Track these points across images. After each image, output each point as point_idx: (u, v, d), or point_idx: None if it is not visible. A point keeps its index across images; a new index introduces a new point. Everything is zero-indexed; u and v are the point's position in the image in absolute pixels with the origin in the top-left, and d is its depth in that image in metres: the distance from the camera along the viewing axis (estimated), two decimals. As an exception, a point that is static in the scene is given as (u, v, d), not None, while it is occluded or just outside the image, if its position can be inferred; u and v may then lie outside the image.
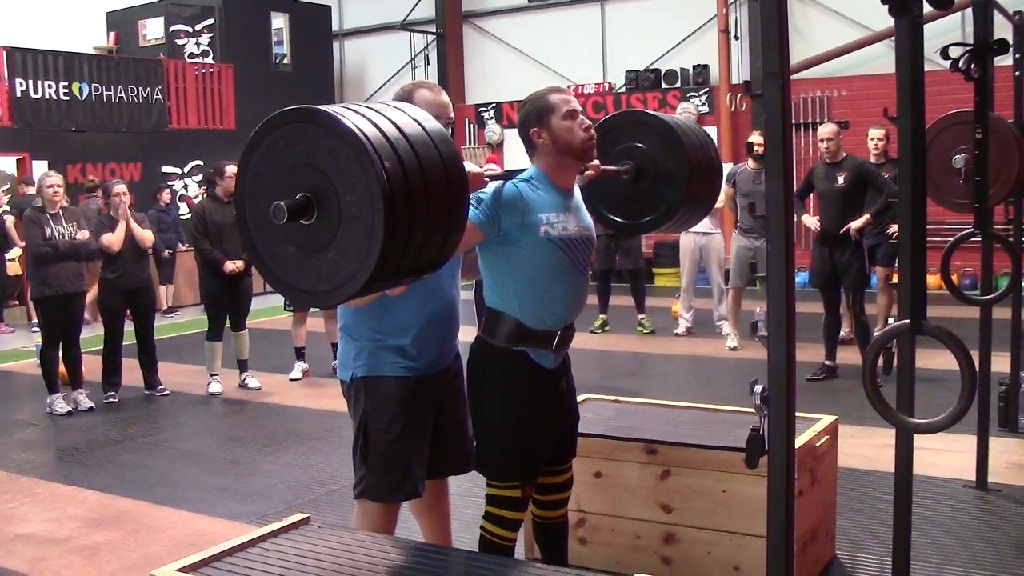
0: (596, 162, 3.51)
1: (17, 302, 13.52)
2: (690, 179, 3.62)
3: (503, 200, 3.22)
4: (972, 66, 4.30)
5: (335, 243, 2.25)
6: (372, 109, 2.33)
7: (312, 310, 8.76)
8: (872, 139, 8.56)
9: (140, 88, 15.40)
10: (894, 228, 8.00)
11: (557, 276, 3.31)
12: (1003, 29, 4.99)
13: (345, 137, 2.20)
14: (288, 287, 2.39)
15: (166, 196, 14.09)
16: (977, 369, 2.95)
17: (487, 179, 3.19)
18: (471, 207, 2.97)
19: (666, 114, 4.00)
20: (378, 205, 2.15)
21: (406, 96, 3.41)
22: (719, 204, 9.71)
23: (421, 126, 2.35)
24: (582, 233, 3.38)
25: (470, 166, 2.99)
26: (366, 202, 2.17)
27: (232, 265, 8.18)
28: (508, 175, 3.32)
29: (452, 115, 3.50)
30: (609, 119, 3.86)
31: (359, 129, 2.20)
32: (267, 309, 12.01)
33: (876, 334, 3.48)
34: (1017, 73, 5.54)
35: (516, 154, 16.81)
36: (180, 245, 13.77)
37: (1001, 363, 5.77)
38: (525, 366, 3.32)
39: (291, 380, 8.72)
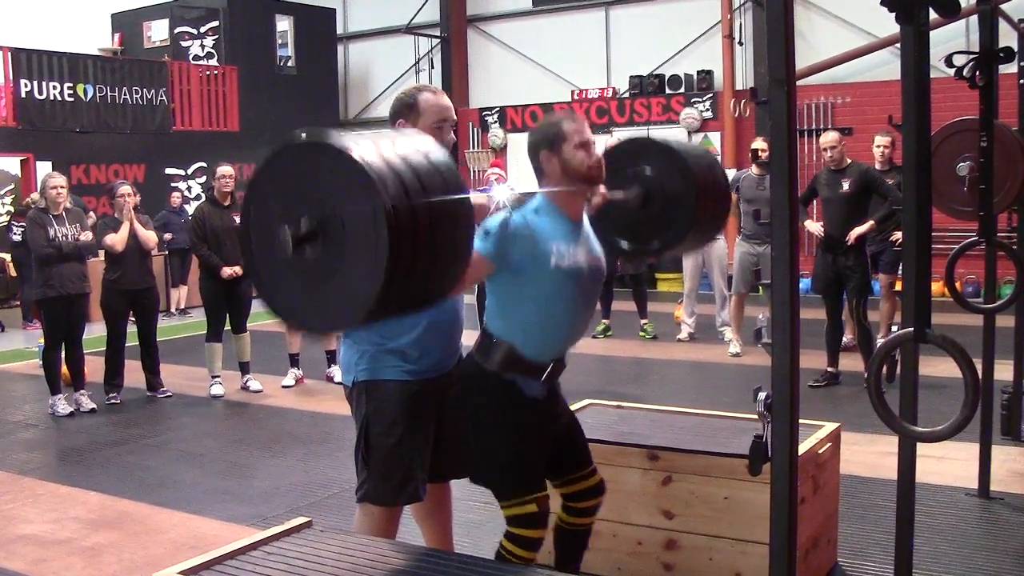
0: (602, 189, 3.50)
1: (19, 303, 13.54)
2: (698, 203, 3.62)
3: (511, 231, 3.20)
4: (977, 74, 4.30)
5: (340, 273, 2.24)
6: (378, 138, 2.33)
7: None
8: (878, 146, 8.56)
9: (144, 89, 15.44)
10: (898, 235, 7.99)
11: (566, 307, 3.32)
12: (1008, 37, 4.98)
13: (351, 167, 2.20)
14: (293, 316, 2.40)
15: (176, 198, 14.12)
16: (980, 377, 2.94)
17: (495, 208, 3.17)
18: (479, 239, 2.97)
19: (672, 138, 4.01)
20: (382, 235, 2.14)
21: (410, 99, 3.41)
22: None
23: (427, 156, 2.34)
24: (592, 263, 3.38)
25: (477, 197, 2.98)
26: (371, 232, 2.17)
27: (230, 271, 8.18)
28: (516, 206, 3.31)
29: (455, 117, 3.51)
30: (615, 146, 3.86)
31: (364, 159, 2.20)
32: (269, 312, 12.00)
33: (880, 343, 3.48)
34: (1022, 81, 5.54)
35: (520, 157, 16.81)
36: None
37: (1004, 371, 5.76)
38: (514, 396, 3.32)
39: (283, 387, 8.66)
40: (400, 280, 2.21)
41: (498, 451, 3.32)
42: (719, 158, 14.54)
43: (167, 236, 13.11)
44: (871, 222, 7.63)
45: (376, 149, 2.25)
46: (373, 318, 2.30)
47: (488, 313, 3.37)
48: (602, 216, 3.56)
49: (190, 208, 14.55)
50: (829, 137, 7.82)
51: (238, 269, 8.22)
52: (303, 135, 2.35)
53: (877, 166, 8.39)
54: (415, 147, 2.35)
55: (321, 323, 2.38)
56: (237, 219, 8.31)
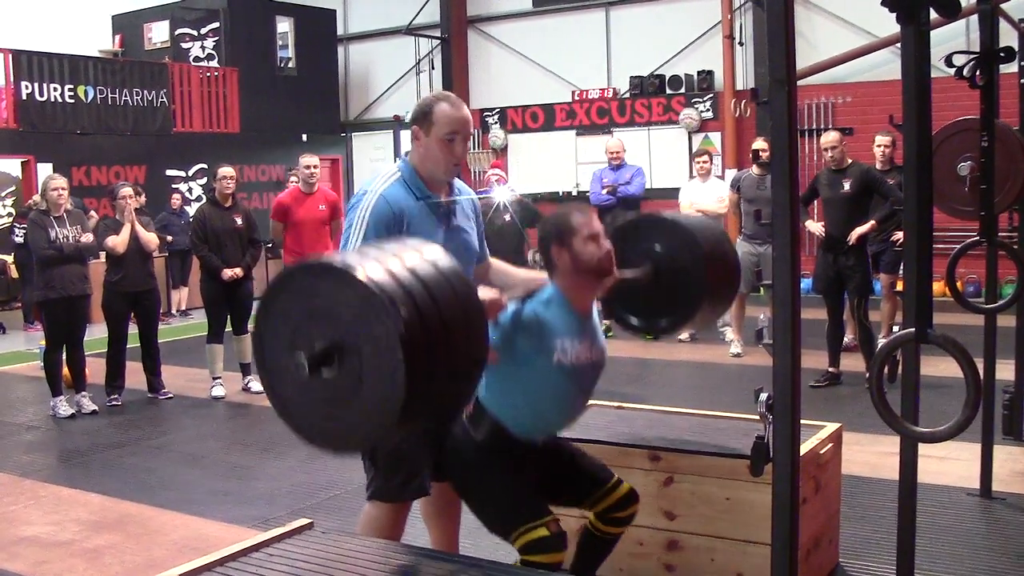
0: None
1: (20, 305, 13.55)
2: (708, 278, 3.65)
3: (521, 324, 3.23)
4: (978, 73, 4.30)
5: (359, 392, 2.26)
6: (385, 253, 2.35)
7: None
8: (878, 146, 8.55)
9: (145, 91, 15.43)
10: (899, 235, 7.99)
11: (561, 400, 3.34)
12: (1008, 36, 4.98)
13: (360, 289, 2.22)
14: (315, 435, 2.42)
15: (176, 199, 14.13)
16: (982, 377, 2.94)
17: (506, 303, 3.15)
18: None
19: (680, 214, 4.04)
20: (398, 354, 2.16)
21: (427, 107, 3.39)
22: (723, 210, 9.73)
23: (435, 266, 2.36)
24: (594, 358, 3.39)
25: (487, 292, 2.98)
26: (386, 351, 2.19)
27: (231, 272, 8.19)
28: (527, 296, 3.31)
29: (470, 131, 3.48)
30: (624, 224, 3.89)
31: (373, 280, 2.21)
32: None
33: (881, 343, 3.48)
34: (1022, 81, 5.53)
35: (520, 158, 16.88)
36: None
37: (1005, 371, 5.76)
38: (501, 443, 3.32)
39: None
40: (419, 398, 2.24)
41: (490, 492, 3.30)
42: (720, 158, 14.56)
43: (168, 238, 13.11)
44: (872, 222, 7.63)
45: (383, 267, 2.27)
46: (399, 431, 2.34)
47: (484, 383, 3.31)
48: (611, 293, 3.55)
49: (190, 210, 14.58)
50: (830, 137, 7.82)
51: (239, 271, 8.22)
52: (308, 262, 2.40)
53: (878, 166, 8.39)
54: (422, 258, 2.37)
55: (343, 445, 2.42)
56: (238, 220, 8.37)
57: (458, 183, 3.59)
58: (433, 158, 3.40)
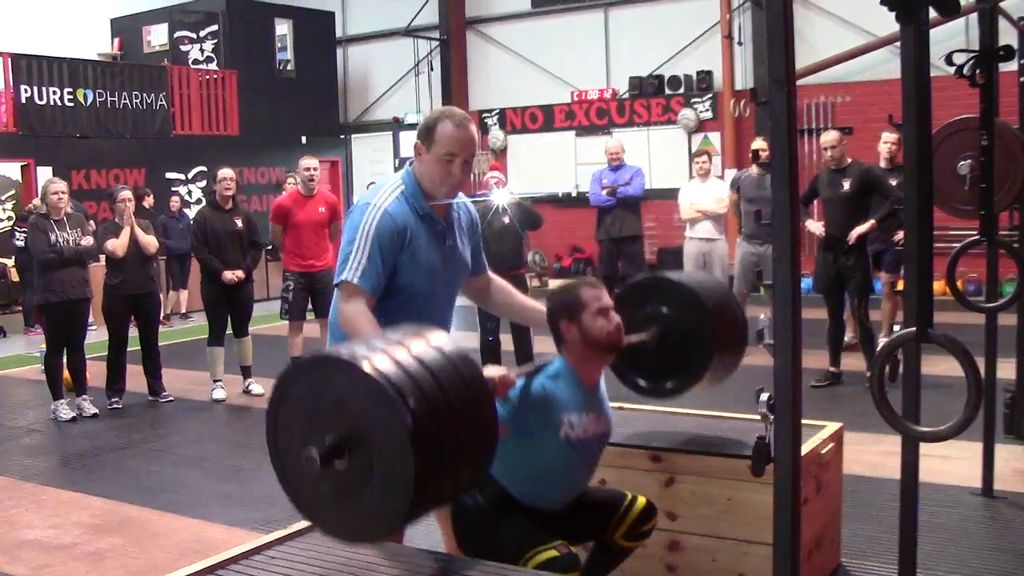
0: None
1: (20, 308, 13.56)
2: (716, 340, 3.67)
3: (530, 400, 3.22)
4: (977, 72, 4.29)
5: (370, 483, 2.29)
6: (392, 343, 2.37)
7: (308, 318, 8.76)
8: (885, 143, 8.53)
9: (144, 94, 15.43)
10: (900, 234, 7.99)
11: (567, 472, 3.34)
12: (1007, 35, 4.98)
13: (366, 383, 2.24)
14: (328, 525, 2.46)
15: (175, 202, 14.13)
16: (983, 376, 2.94)
17: (515, 378, 3.13)
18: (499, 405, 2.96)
19: (687, 275, 4.06)
20: (407, 447, 2.19)
21: (431, 123, 3.36)
22: (723, 210, 9.73)
23: (441, 352, 2.38)
24: (600, 431, 3.39)
25: (495, 370, 2.98)
26: (396, 442, 2.21)
27: (231, 275, 8.19)
28: (536, 370, 3.30)
29: (473, 151, 3.41)
30: (629, 287, 3.90)
31: (379, 372, 2.24)
32: (270, 315, 12.01)
33: (882, 342, 3.48)
34: (1022, 79, 5.53)
35: (519, 159, 16.87)
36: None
37: (1006, 370, 5.75)
38: (507, 505, 3.30)
39: None
40: (430, 487, 2.27)
41: (494, 536, 3.25)
42: (719, 158, 14.55)
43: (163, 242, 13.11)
44: (872, 221, 7.63)
45: (390, 357, 2.29)
46: (411, 518, 2.37)
47: None
48: (620, 354, 3.53)
49: (189, 212, 14.59)
50: (829, 136, 7.81)
51: (239, 273, 8.22)
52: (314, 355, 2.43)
53: (882, 163, 8.37)
54: (427, 345, 2.39)
55: (357, 535, 2.45)
56: (238, 223, 8.37)
57: (460, 198, 3.57)
58: (430, 176, 3.38)
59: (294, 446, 2.36)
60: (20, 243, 12.16)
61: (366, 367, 2.24)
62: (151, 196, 13.57)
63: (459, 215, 3.56)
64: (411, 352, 2.32)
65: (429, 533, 4.25)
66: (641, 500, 3.52)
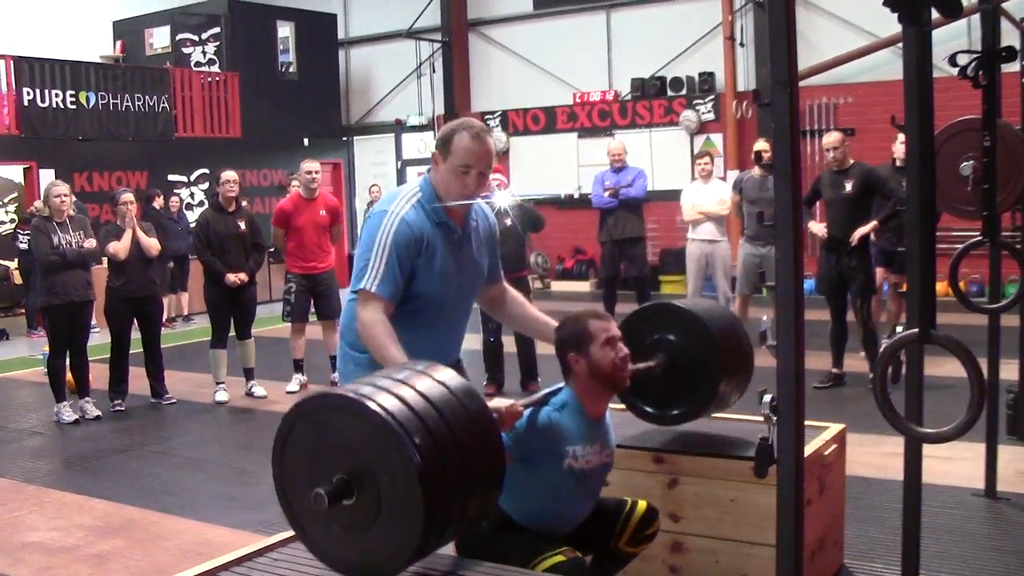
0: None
1: (23, 311, 13.58)
2: (722, 367, 3.70)
3: (536, 430, 3.22)
4: (980, 73, 4.29)
5: (378, 520, 2.30)
6: (396, 381, 2.38)
7: (311, 320, 8.77)
8: (901, 143, 8.50)
9: (146, 97, 15.45)
10: None
11: (568, 503, 3.33)
12: (1010, 36, 4.98)
13: (372, 421, 2.26)
14: (337, 562, 2.45)
15: (174, 203, 14.14)
16: (985, 378, 2.94)
17: (521, 409, 3.13)
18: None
19: (693, 302, 4.07)
20: (415, 484, 2.21)
21: (448, 134, 3.35)
22: (725, 212, 9.73)
23: (446, 387, 2.40)
24: (603, 462, 3.39)
25: (500, 402, 2.98)
26: (402, 479, 2.23)
27: (234, 277, 8.19)
28: (543, 400, 3.29)
29: (490, 164, 3.40)
30: (635, 314, 3.92)
31: (384, 410, 2.25)
32: (272, 318, 12.01)
33: (885, 343, 3.49)
34: (1024, 80, 5.52)
35: (522, 161, 16.87)
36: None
37: (1009, 371, 5.75)
38: (510, 528, 3.30)
39: (288, 392, 8.55)
40: (438, 523, 2.29)
41: (499, 552, 3.20)
42: (722, 159, 14.55)
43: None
44: (874, 222, 7.63)
45: (396, 395, 2.30)
46: (421, 554, 2.38)
47: None
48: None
49: (190, 214, 14.60)
50: (832, 138, 7.81)
51: (243, 275, 8.23)
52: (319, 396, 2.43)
53: (898, 163, 8.33)
54: (432, 381, 2.40)
55: (367, 570, 2.43)
56: (241, 225, 8.37)
57: (479, 206, 3.57)
58: (446, 186, 3.37)
59: (302, 486, 2.38)
60: (23, 246, 12.17)
61: (372, 406, 2.25)
62: (161, 197, 13.59)
63: (477, 223, 3.55)
64: (416, 389, 2.33)
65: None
66: (642, 505, 3.51)
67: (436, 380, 2.40)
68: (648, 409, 3.90)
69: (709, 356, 3.69)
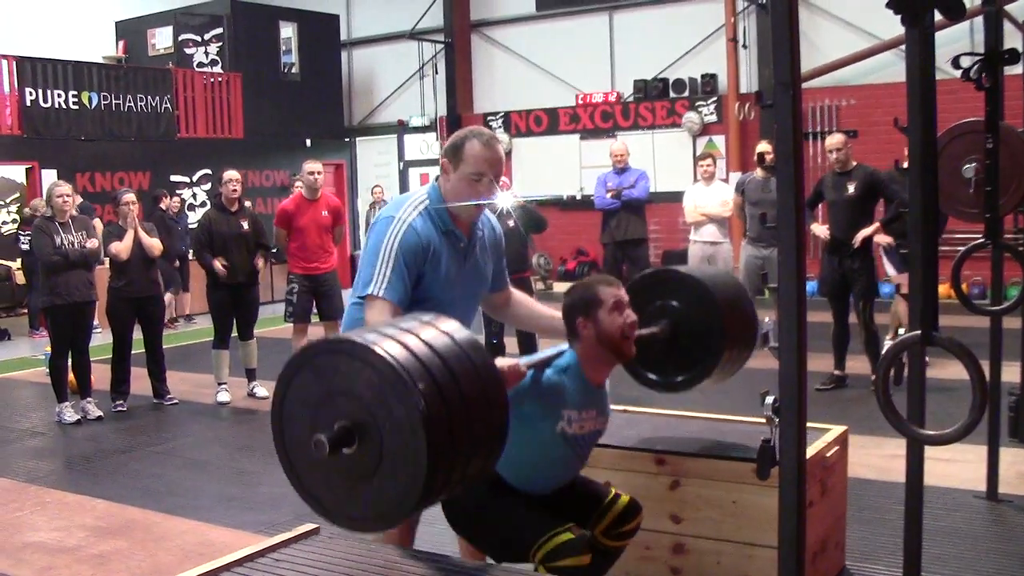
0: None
1: (25, 311, 13.59)
2: (727, 334, 3.67)
3: (536, 391, 3.23)
4: (983, 75, 4.29)
5: (380, 470, 2.27)
6: (402, 330, 2.35)
7: (313, 321, 8.77)
8: None
9: (149, 97, 15.46)
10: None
11: (556, 465, 3.35)
12: (1012, 38, 4.98)
13: (378, 366, 2.22)
14: (336, 514, 2.43)
15: (175, 204, 14.15)
16: (987, 380, 2.94)
17: (525, 369, 3.13)
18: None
19: (698, 269, 4.04)
20: (418, 430, 2.17)
21: (459, 142, 3.35)
22: (727, 213, 9.73)
23: (452, 338, 2.36)
24: (596, 427, 3.40)
25: (504, 362, 2.97)
26: (406, 427, 2.20)
27: (219, 264, 8.18)
28: (546, 362, 3.29)
29: (500, 171, 3.40)
30: (639, 279, 3.89)
31: (391, 355, 2.22)
32: (275, 318, 12.01)
33: (888, 344, 3.48)
34: (1027, 82, 5.53)
35: (524, 163, 16.86)
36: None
37: (1011, 373, 5.74)
38: (499, 488, 3.31)
39: None
40: (441, 476, 2.25)
41: (497, 520, 3.27)
42: (724, 161, 14.55)
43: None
44: (877, 224, 7.62)
45: (402, 343, 2.27)
46: (421, 507, 2.35)
47: None
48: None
49: (193, 215, 14.61)
50: (835, 139, 7.80)
51: (223, 261, 8.22)
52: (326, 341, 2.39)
53: (907, 165, 8.32)
54: (439, 332, 2.37)
55: (365, 524, 2.43)
56: (245, 225, 8.38)
57: (485, 215, 3.56)
58: (457, 194, 3.37)
59: (302, 433, 2.34)
60: (25, 246, 12.18)
61: (378, 351, 2.22)
62: (169, 198, 13.60)
63: (483, 232, 3.55)
64: (422, 339, 2.31)
65: (435, 535, 4.25)
66: (624, 498, 3.50)
67: (442, 331, 2.38)
68: (651, 376, 3.85)
69: (713, 323, 3.64)
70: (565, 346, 3.37)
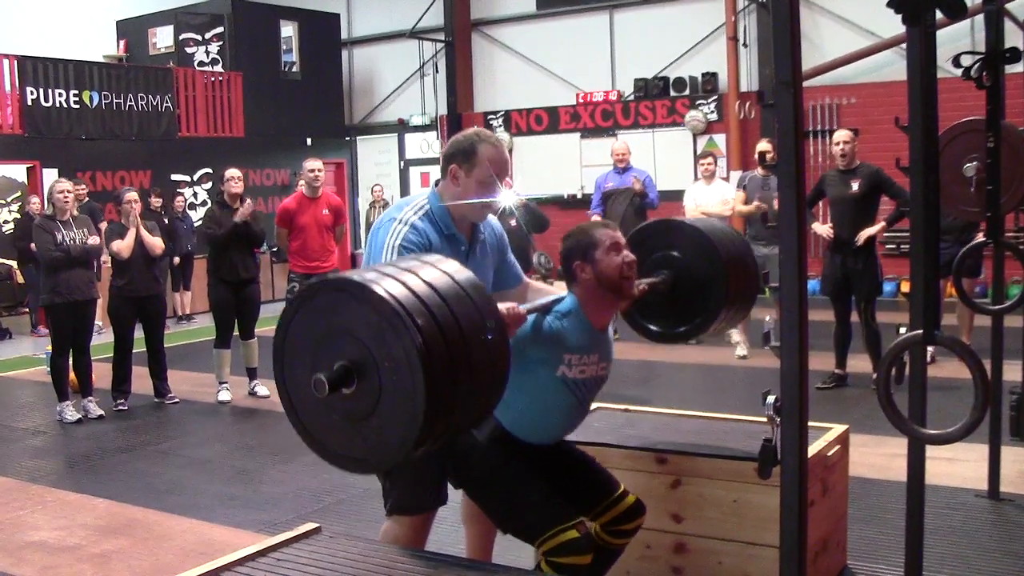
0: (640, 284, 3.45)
1: (27, 310, 13.59)
2: (728, 286, 3.65)
3: (536, 336, 3.23)
4: (984, 74, 4.29)
5: (379, 409, 2.25)
6: (403, 269, 2.34)
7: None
8: None
9: (150, 96, 15.45)
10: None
11: (559, 411, 3.35)
12: (1014, 37, 4.98)
13: (377, 304, 2.21)
14: (336, 455, 2.42)
15: (179, 203, 14.16)
16: (989, 379, 2.94)
17: (525, 313, 3.12)
18: None
19: (700, 219, 4.02)
20: (417, 368, 2.16)
21: (469, 146, 3.34)
22: (728, 212, 9.72)
23: (453, 278, 2.35)
24: (599, 373, 3.39)
25: (504, 305, 2.97)
26: (404, 366, 2.18)
27: (244, 210, 8.27)
28: (547, 308, 3.29)
29: (509, 172, 3.42)
30: (642, 228, 3.88)
31: (390, 294, 2.21)
32: (276, 317, 11.97)
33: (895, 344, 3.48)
34: (1028, 81, 5.52)
35: (525, 162, 16.85)
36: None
37: (1012, 372, 5.74)
38: (507, 446, 3.31)
39: None
40: (440, 416, 2.23)
41: (509, 496, 3.27)
42: (725, 160, 14.54)
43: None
44: (882, 224, 7.60)
45: (401, 282, 2.26)
46: (421, 448, 2.32)
47: None
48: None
49: (194, 214, 14.62)
50: (844, 133, 7.76)
51: (247, 209, 8.26)
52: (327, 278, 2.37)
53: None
54: (440, 272, 2.36)
55: (362, 465, 2.42)
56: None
57: (488, 218, 3.57)
58: (470, 198, 3.36)
59: (303, 374, 2.33)
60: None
61: (376, 289, 2.21)
62: (162, 197, 13.60)
63: (485, 235, 3.55)
64: (421, 277, 2.30)
65: (438, 535, 4.25)
66: (631, 497, 3.50)
67: (443, 271, 2.37)
68: (653, 327, 3.82)
69: (715, 273, 3.62)
70: (565, 293, 3.37)
